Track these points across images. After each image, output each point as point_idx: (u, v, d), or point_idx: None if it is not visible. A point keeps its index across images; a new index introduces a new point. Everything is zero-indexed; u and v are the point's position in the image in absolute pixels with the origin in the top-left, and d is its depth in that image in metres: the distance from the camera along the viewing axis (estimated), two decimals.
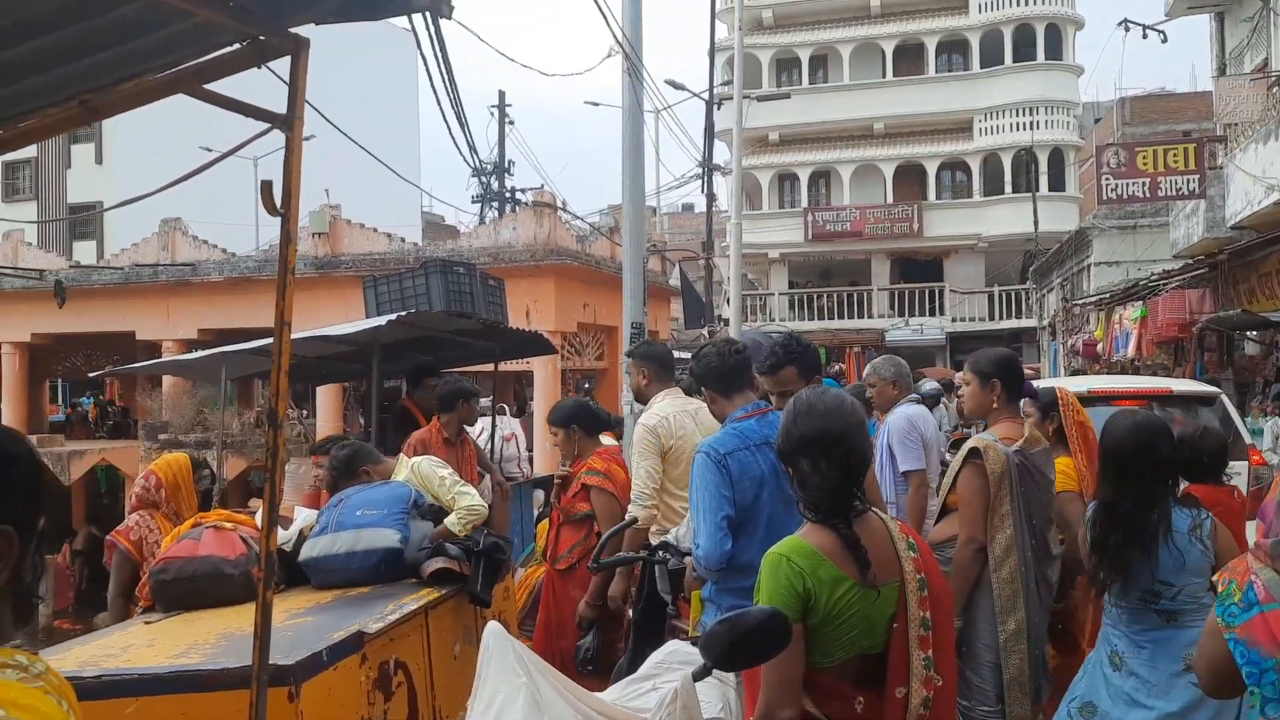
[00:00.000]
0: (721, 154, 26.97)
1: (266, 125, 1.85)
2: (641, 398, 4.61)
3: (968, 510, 3.31)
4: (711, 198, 20.92)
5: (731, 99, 18.80)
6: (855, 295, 28.97)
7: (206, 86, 1.83)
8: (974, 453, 3.34)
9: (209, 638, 2.75)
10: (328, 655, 2.53)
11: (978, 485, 3.30)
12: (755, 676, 2.04)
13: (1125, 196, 13.86)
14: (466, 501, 3.67)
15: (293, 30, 1.75)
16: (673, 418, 4.21)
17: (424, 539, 3.53)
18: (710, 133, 20.01)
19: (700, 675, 1.88)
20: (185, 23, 1.61)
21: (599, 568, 3.83)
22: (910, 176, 29.90)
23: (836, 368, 23.93)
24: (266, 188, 1.79)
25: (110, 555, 3.98)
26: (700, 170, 20.55)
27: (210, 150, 16.14)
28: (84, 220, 29.19)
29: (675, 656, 2.53)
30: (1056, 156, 28.57)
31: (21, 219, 26.86)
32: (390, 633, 2.84)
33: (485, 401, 9.49)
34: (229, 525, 3.45)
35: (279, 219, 1.85)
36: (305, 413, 17.26)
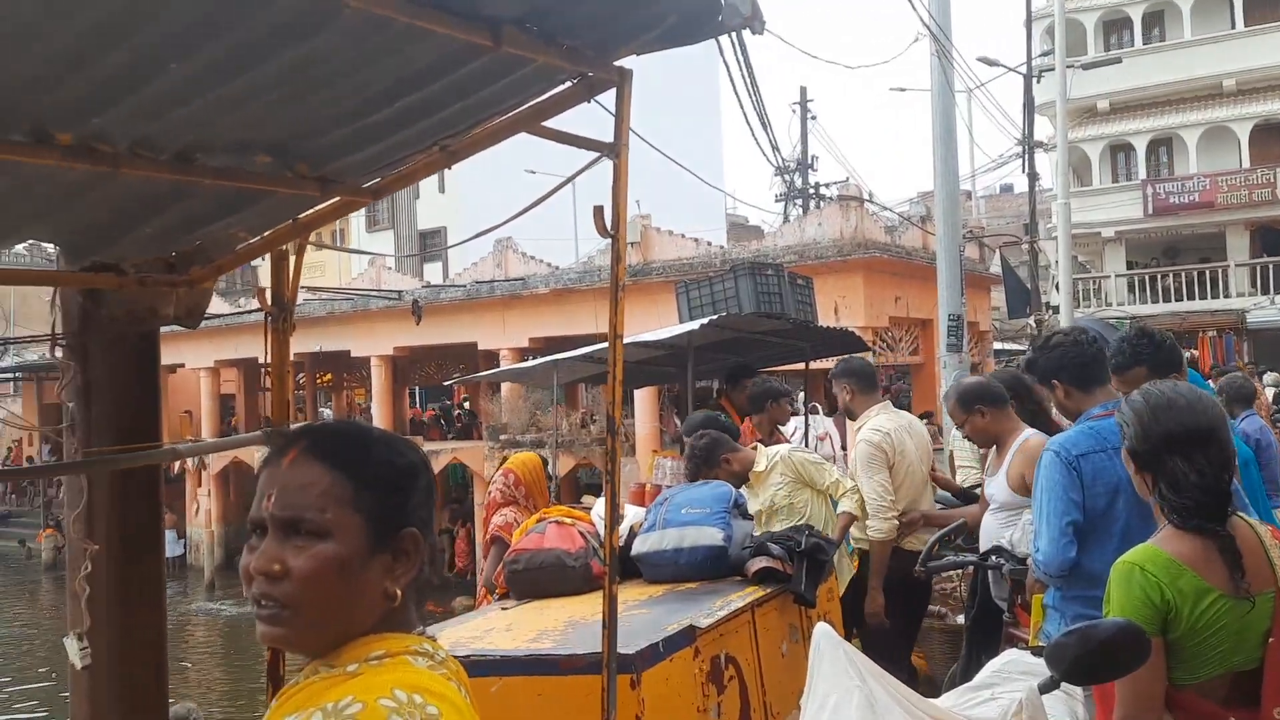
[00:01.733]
0: (1043, 129, 25.16)
1: (595, 154, 1.99)
2: (850, 413, 4.80)
3: None
4: (1034, 177, 19.62)
5: (1053, 69, 17.50)
6: (1207, 273, 25.90)
7: (544, 124, 2.00)
8: None
9: (558, 625, 2.98)
10: (663, 647, 2.67)
11: None
12: (1108, 692, 1.91)
13: None
14: (850, 484, 3.80)
15: (616, 64, 1.88)
16: (894, 433, 4.35)
17: (745, 537, 3.62)
18: (1030, 108, 18.78)
19: (1047, 688, 1.79)
20: (527, 69, 1.78)
21: (929, 570, 3.73)
22: (1270, 137, 26.27)
23: (1189, 354, 21.52)
24: (598, 212, 1.93)
25: (488, 548, 4.45)
26: (1020, 148, 19.31)
27: (534, 172, 17.39)
28: (432, 245, 32.53)
29: (1015, 666, 2.41)
30: None
31: (381, 247, 30.46)
32: (720, 628, 2.94)
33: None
34: (569, 520, 3.73)
35: (609, 239, 1.99)
36: (626, 413, 18.14)
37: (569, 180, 2.10)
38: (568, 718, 2.55)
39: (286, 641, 1.16)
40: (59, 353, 2.50)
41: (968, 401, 4.04)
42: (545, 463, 4.76)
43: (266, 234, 2.46)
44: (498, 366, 18.81)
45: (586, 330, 17.33)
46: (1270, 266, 25.11)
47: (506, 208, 2.53)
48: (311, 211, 2.39)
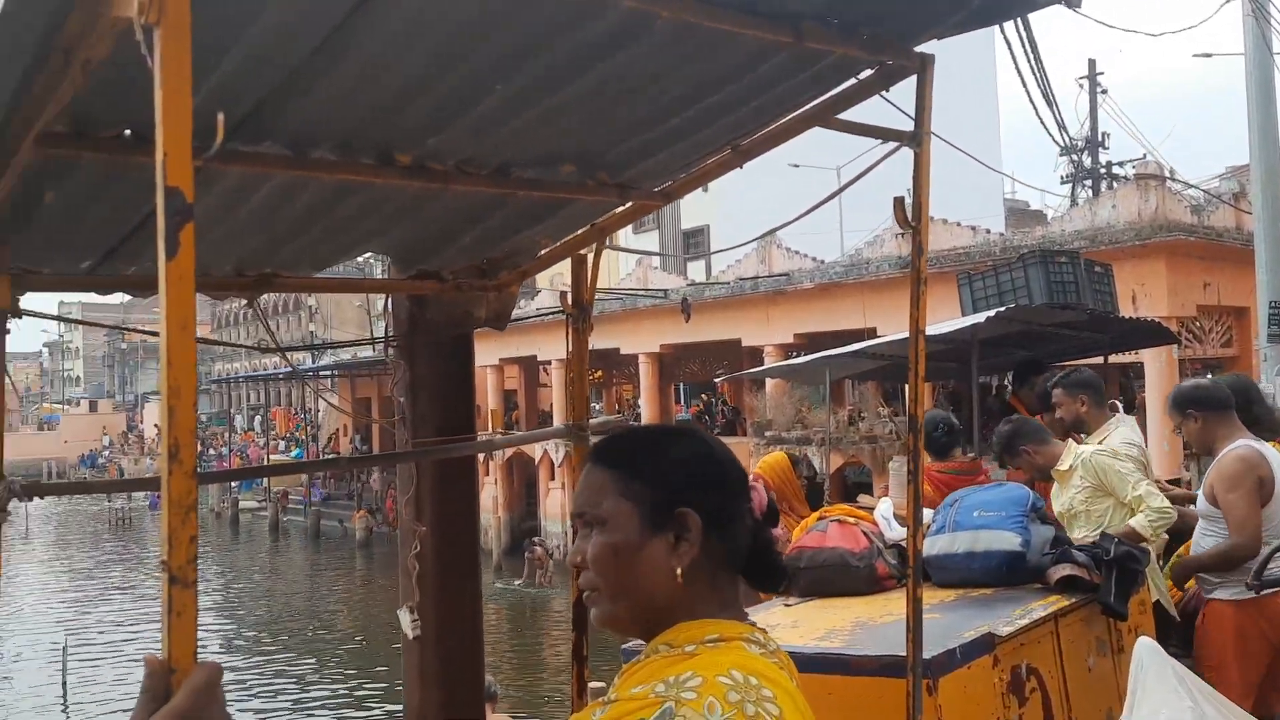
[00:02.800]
0: None
1: (892, 145, 1.95)
2: (1081, 426, 4.66)
3: None
4: None
5: None
6: None
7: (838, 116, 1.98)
8: None
9: (845, 625, 2.95)
10: (961, 653, 2.57)
11: None
12: None
13: None
14: (1157, 503, 3.61)
15: (917, 50, 1.83)
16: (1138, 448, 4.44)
17: (1045, 543, 3.41)
18: None
19: None
20: (824, 62, 1.77)
21: (1261, 586, 3.36)
22: None
23: None
24: (899, 204, 1.89)
25: None
26: None
27: (798, 166, 17.23)
28: (695, 244, 33.13)
29: None
30: None
31: (647, 248, 31.38)
32: (1021, 637, 2.79)
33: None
34: (851, 520, 3.67)
35: (909, 230, 1.94)
36: (895, 410, 17.64)
37: (862, 175, 2.07)
38: (860, 718, 2.51)
39: (605, 621, 1.28)
40: (391, 353, 2.78)
41: (1181, 404, 3.99)
42: (795, 461, 4.70)
43: (567, 239, 2.61)
44: (762, 363, 18.87)
45: (853, 325, 17.01)
46: None
47: (770, 204, 2.54)
48: (607, 216, 2.51)
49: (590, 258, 2.62)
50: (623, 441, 1.37)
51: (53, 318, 2.37)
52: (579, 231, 2.56)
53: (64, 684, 15.27)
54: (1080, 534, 3.96)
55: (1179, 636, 4.11)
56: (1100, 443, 4.44)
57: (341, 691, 15.69)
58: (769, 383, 19.45)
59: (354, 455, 28.96)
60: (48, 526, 39.54)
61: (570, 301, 2.59)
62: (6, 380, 1.90)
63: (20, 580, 26.44)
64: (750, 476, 4.82)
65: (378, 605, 20.92)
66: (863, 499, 4.80)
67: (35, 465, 44.28)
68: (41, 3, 1.03)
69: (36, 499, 1.98)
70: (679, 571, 1.22)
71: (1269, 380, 8.32)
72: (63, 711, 14.73)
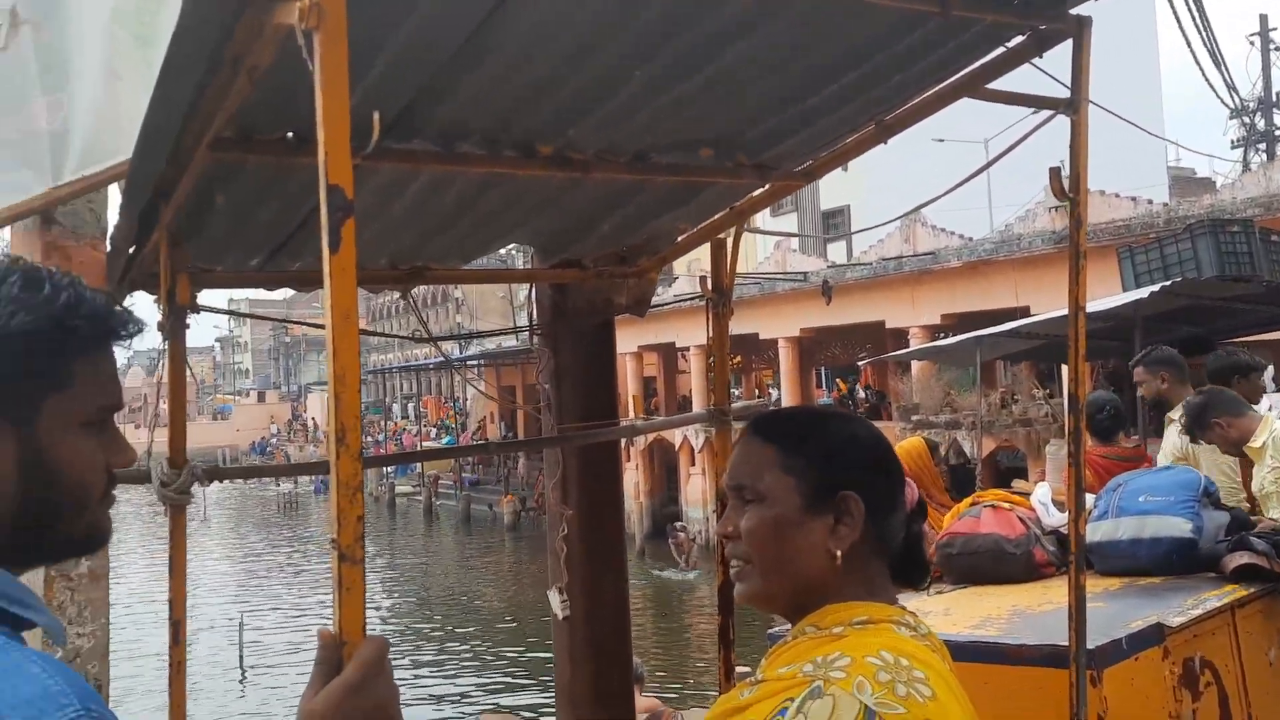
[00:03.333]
0: None
1: (1049, 113, 1.86)
2: (1162, 405, 4.77)
3: None
4: None
5: None
6: None
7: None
8: None
9: (1001, 613, 2.85)
10: (1127, 644, 2.45)
11: None
12: None
13: None
14: None
15: (1072, 12, 1.73)
16: None
17: (1219, 530, 3.21)
18: None
19: None
20: (972, 30, 1.70)
21: None
22: None
23: None
24: (1054, 174, 1.80)
25: None
26: None
27: (942, 141, 16.64)
28: (835, 224, 32.51)
29: None
30: None
31: (786, 229, 31.00)
32: (1193, 629, 2.64)
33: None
34: (1006, 505, 3.54)
35: (1066, 202, 1.85)
36: (1050, 392, 16.89)
37: (1016, 145, 1.99)
38: (1017, 709, 2.43)
39: (750, 596, 1.28)
40: (536, 341, 2.85)
41: None
42: (933, 447, 4.55)
43: (705, 224, 2.60)
44: (906, 345, 18.38)
45: (1005, 304, 16.35)
46: None
47: (913, 181, 2.46)
48: (746, 199, 2.49)
49: (729, 241, 2.61)
50: (788, 418, 1.38)
51: (228, 313, 2.53)
52: (717, 215, 2.55)
53: (240, 655, 16.35)
54: (1276, 516, 3.71)
55: None
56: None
57: (494, 669, 16.23)
58: (915, 365, 18.94)
59: (503, 441, 29.80)
60: (223, 511, 42.35)
61: (710, 286, 2.59)
62: (187, 372, 2.04)
63: (200, 559, 28.48)
64: None
65: (527, 586, 21.53)
66: (1017, 484, 4.61)
67: (211, 452, 47.47)
68: (213, 16, 1.09)
69: (214, 484, 2.13)
70: (838, 554, 1.21)
71: None
72: (240, 681, 15.78)
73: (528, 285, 2.98)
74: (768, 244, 26.04)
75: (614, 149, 2.02)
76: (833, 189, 33.24)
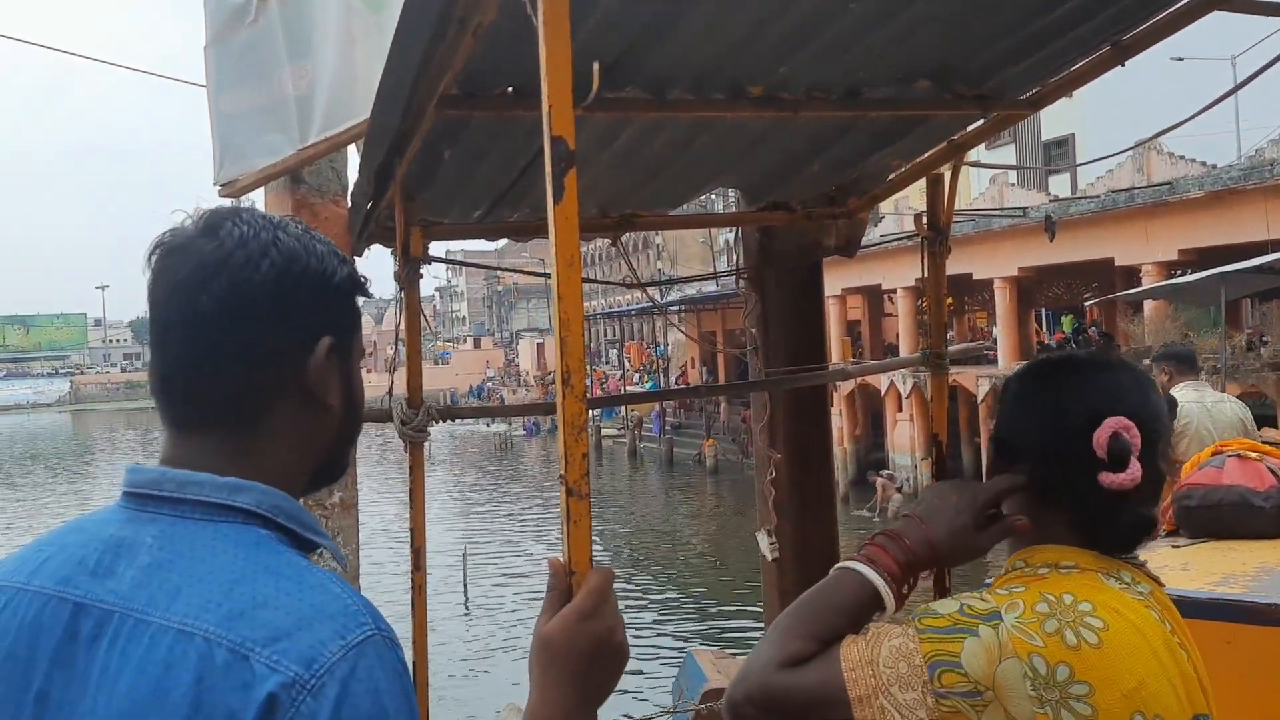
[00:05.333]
0: None
1: None
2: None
3: None
4: None
5: None
6: None
7: None
8: None
9: (1247, 569, 2.66)
10: None
11: None
12: None
13: None
14: None
15: None
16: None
17: None
18: None
19: None
20: None
21: None
22: None
23: None
24: None
25: None
26: None
27: (1181, 59, 15.17)
28: (1057, 155, 30.41)
29: None
30: None
31: (1003, 163, 29.29)
32: None
33: None
34: (1254, 455, 3.27)
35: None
36: None
37: (1277, 59, 1.79)
38: (1264, 671, 2.26)
39: None
40: (742, 284, 2.85)
41: None
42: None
43: (919, 160, 2.50)
44: (1138, 283, 17.06)
45: (1255, 237, 14.84)
46: None
47: (1148, 105, 2.27)
48: (965, 132, 2.37)
49: (947, 177, 2.50)
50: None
51: (452, 262, 2.68)
52: (933, 151, 2.44)
53: (465, 587, 17.52)
54: None
55: None
56: None
57: (703, 608, 16.62)
58: (1148, 305, 17.57)
59: (710, 385, 30.16)
60: (443, 451, 45.18)
61: (925, 224, 2.49)
62: (421, 318, 2.19)
63: (429, 495, 30.61)
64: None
65: (731, 528, 21.82)
66: (1267, 433, 4.24)
67: (434, 395, 50.66)
68: None
69: (440, 423, 2.28)
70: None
71: None
72: (464, 611, 16.93)
73: (731, 229, 2.98)
74: (982, 179, 24.71)
75: (825, 86, 1.97)
76: (1055, 117, 30.99)
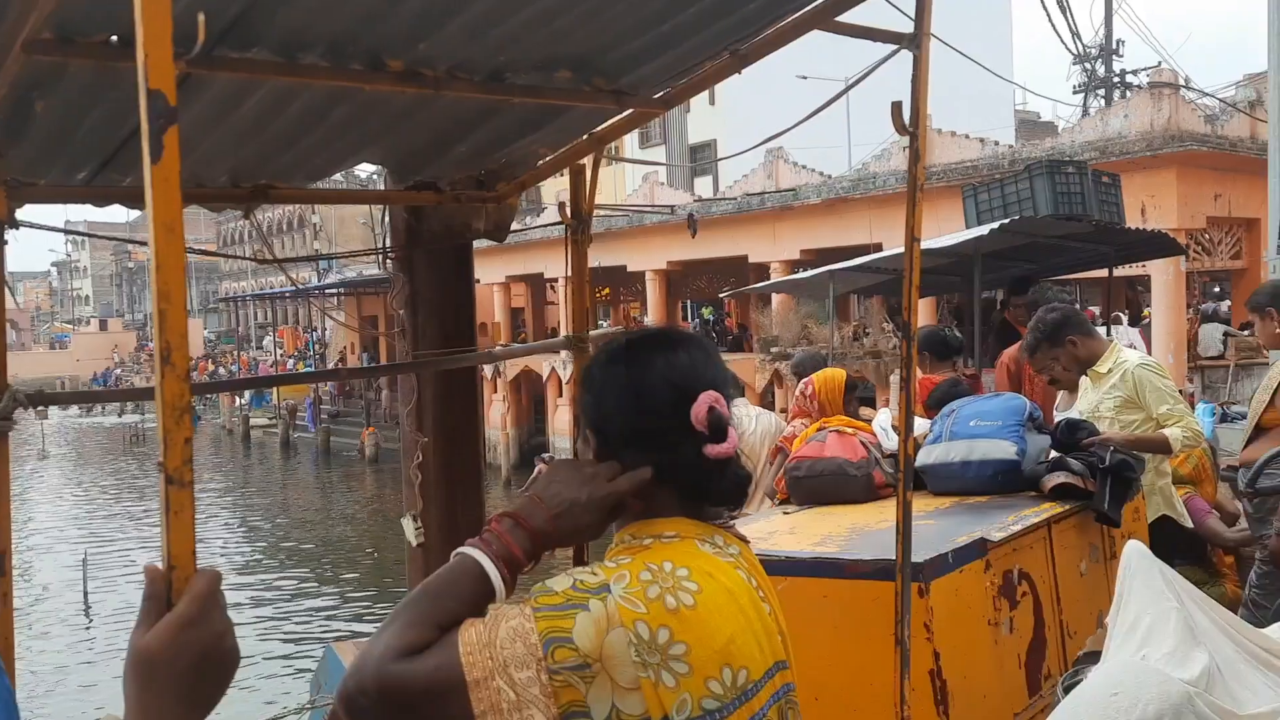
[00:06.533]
0: None
1: (892, 48, 1.91)
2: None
3: None
4: None
5: None
6: None
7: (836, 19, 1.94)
8: None
9: (841, 531, 3.00)
10: (953, 558, 2.62)
11: None
12: None
13: None
14: (1196, 424, 3.62)
15: None
16: None
17: (1041, 452, 3.44)
18: None
19: None
20: None
21: (1258, 493, 3.40)
22: None
23: None
24: (897, 109, 1.86)
25: (773, 457, 4.56)
26: None
27: (806, 78, 16.85)
28: (703, 158, 32.66)
29: None
30: None
31: (657, 164, 30.98)
32: (1013, 543, 2.84)
33: (1095, 310, 8.82)
34: (850, 430, 3.71)
35: (907, 136, 1.91)
36: (898, 325, 17.62)
37: (865, 75, 2.04)
38: (852, 620, 2.58)
39: None
40: (389, 265, 2.79)
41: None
42: (853, 384, 4.72)
43: (564, 150, 2.58)
44: (768, 278, 18.80)
45: (860, 241, 16.87)
46: None
47: (777, 117, 2.50)
48: (605, 125, 2.48)
49: (589, 167, 2.60)
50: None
51: (49, 229, 2.37)
52: (577, 141, 2.53)
53: (85, 593, 15.68)
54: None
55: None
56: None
57: (352, 600, 16.09)
58: (775, 299, 19.41)
59: (353, 368, 29.10)
60: (64, 446, 40.11)
61: (569, 213, 2.58)
62: (6, 291, 1.91)
63: (40, 496, 26.95)
64: (803, 382, 4.88)
65: (390, 517, 21.30)
66: (863, 411, 4.82)
67: (50, 383, 44.66)
68: None
69: (52, 416, 2.02)
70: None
71: None
72: (85, 616, 15.16)
73: (382, 208, 2.90)
74: (637, 177, 25.99)
75: (468, 66, 1.97)
76: (700, 123, 33.32)
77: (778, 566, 2.70)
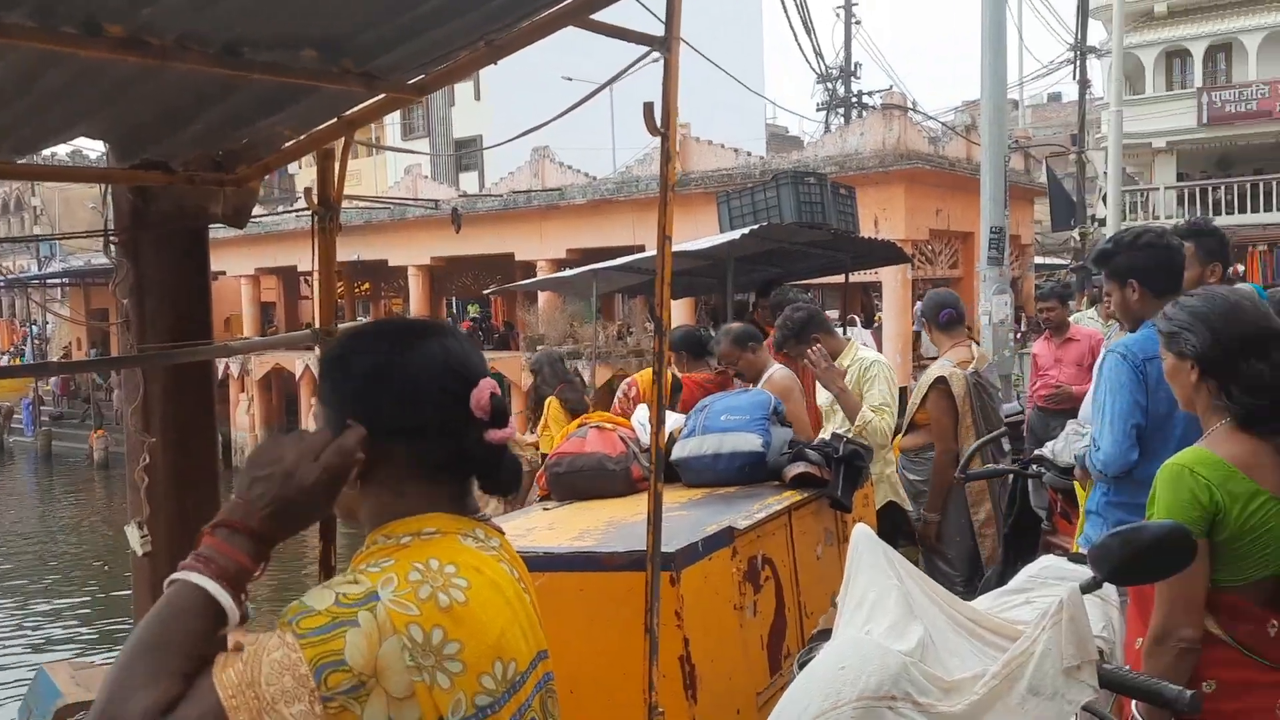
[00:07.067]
0: (1096, 34, 24.25)
1: (645, 50, 1.95)
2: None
3: (939, 426, 4.39)
4: (1085, 84, 18.97)
5: None
6: (1260, 185, 25.03)
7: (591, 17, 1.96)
8: (940, 380, 4.43)
9: (598, 525, 3.05)
10: (702, 546, 2.72)
11: (946, 405, 4.39)
12: (1145, 595, 1.93)
13: None
14: (886, 420, 3.95)
15: None
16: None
17: (783, 444, 3.65)
18: (1084, 10, 18.01)
19: (1089, 588, 1.81)
20: None
21: (967, 479, 3.76)
22: None
23: (1235, 269, 21.02)
24: (648, 110, 1.90)
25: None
26: (1072, 54, 18.64)
27: (571, 80, 17.08)
28: (467, 153, 32.27)
29: (1051, 571, 2.44)
30: None
31: (420, 153, 30.24)
32: (757, 530, 2.99)
33: (834, 313, 9.48)
34: (609, 426, 3.77)
35: (658, 137, 1.96)
36: None
37: (618, 77, 2.07)
38: (608, 611, 2.62)
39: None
40: (112, 250, 2.54)
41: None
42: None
43: (312, 132, 2.45)
44: (535, 277, 18.83)
45: (624, 242, 17.24)
46: None
47: (543, 116, 2.51)
48: (356, 109, 2.37)
49: (339, 152, 2.49)
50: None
51: None
52: (326, 124, 2.41)
53: None
54: (831, 429, 4.32)
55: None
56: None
57: (86, 618, 14.65)
58: (541, 297, 19.47)
59: (62, 361, 26.52)
60: None
61: (315, 199, 2.46)
62: None
63: None
64: (626, 381, 4.91)
65: (120, 528, 19.53)
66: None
67: None
68: None
69: None
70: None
71: (987, 300, 9.18)
72: None
73: (105, 188, 2.65)
74: (399, 169, 25.28)
75: (199, 37, 1.83)
76: (466, 118, 32.91)
77: (536, 562, 2.68)
